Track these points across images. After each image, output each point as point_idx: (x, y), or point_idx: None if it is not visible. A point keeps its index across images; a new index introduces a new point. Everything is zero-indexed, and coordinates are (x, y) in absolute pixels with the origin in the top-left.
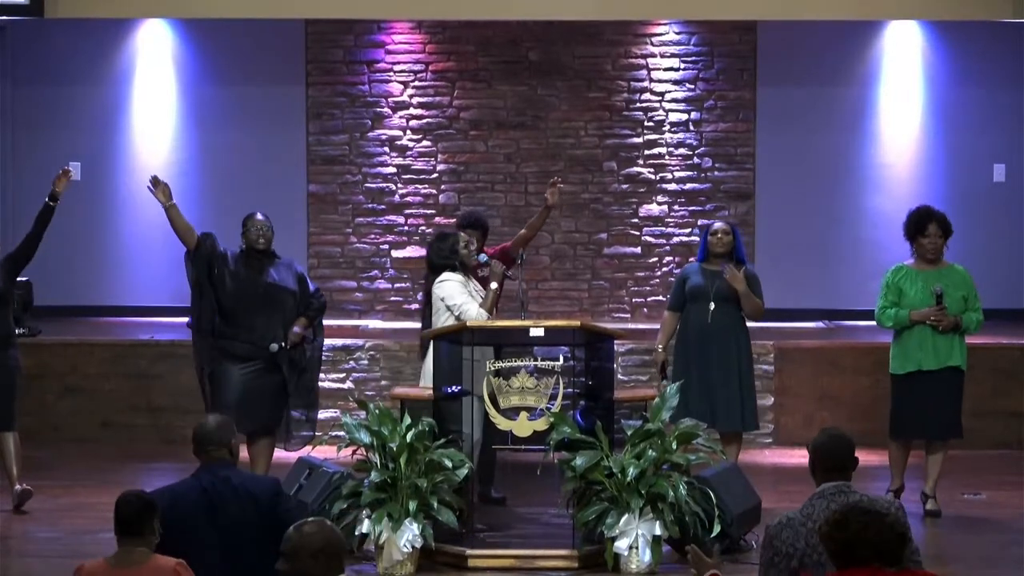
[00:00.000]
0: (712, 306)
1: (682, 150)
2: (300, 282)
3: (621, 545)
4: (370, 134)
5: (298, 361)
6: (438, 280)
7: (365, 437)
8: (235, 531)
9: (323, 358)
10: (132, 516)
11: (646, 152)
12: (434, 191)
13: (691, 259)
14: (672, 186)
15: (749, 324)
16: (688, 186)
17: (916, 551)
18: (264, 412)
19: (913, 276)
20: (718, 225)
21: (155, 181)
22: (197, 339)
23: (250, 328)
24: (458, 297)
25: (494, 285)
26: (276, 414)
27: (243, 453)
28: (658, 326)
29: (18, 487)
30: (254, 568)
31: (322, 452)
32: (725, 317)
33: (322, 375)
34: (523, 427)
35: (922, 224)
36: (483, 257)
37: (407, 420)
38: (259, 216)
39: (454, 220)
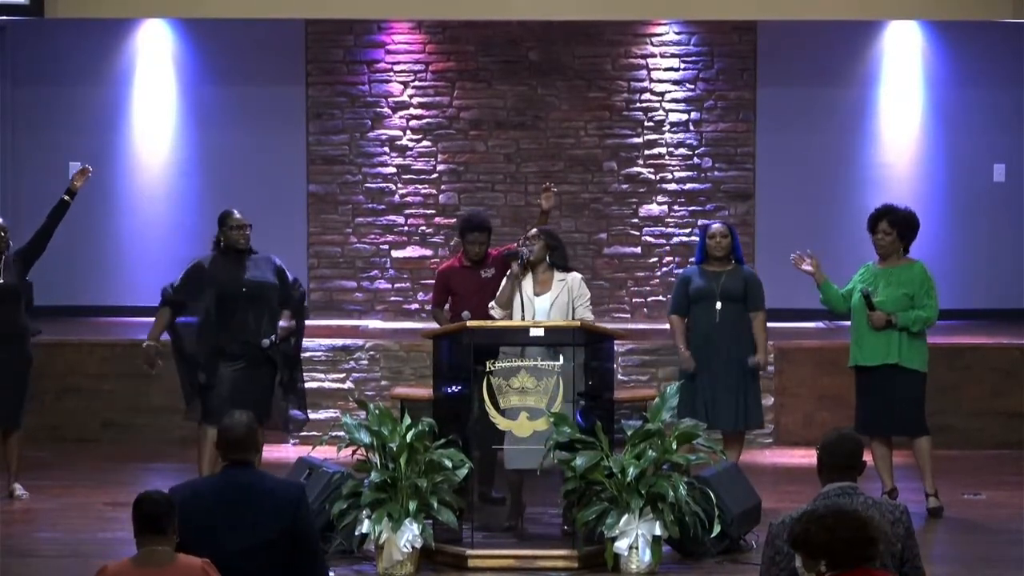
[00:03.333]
0: (719, 306)
1: (682, 150)
2: (279, 275)
3: (621, 545)
4: (370, 134)
5: (290, 354)
6: None
7: (365, 437)
8: (251, 533)
9: (323, 358)
10: (157, 515)
11: (646, 152)
12: (434, 191)
13: (690, 260)
14: (672, 186)
15: None
16: (688, 186)
17: (917, 556)
18: (254, 407)
19: (868, 273)
20: (716, 227)
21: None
22: (197, 342)
23: (240, 326)
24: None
25: (504, 282)
26: (266, 408)
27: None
28: (658, 326)
29: (20, 492)
30: (270, 571)
31: (322, 452)
32: (731, 316)
33: (322, 375)
34: (523, 427)
35: (875, 222)
36: (524, 252)
37: (407, 420)
38: (237, 214)
39: (455, 220)
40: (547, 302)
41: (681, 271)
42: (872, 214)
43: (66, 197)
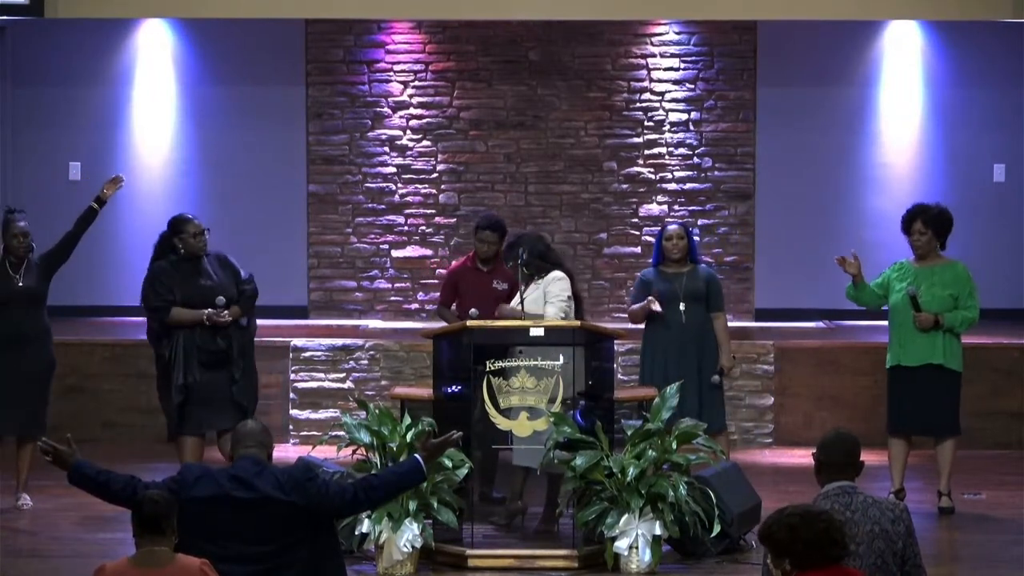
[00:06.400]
0: (683, 307)
1: (682, 150)
2: (234, 274)
3: (621, 545)
4: (370, 134)
5: (245, 347)
6: None
7: (365, 437)
8: (262, 512)
9: (323, 358)
10: (157, 515)
11: (646, 152)
12: (434, 191)
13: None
14: (672, 186)
15: (746, 324)
16: (688, 186)
17: (918, 555)
18: (229, 410)
19: (906, 272)
20: (672, 229)
21: None
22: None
23: (203, 332)
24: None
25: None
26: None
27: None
28: None
29: (23, 500)
30: (284, 547)
31: (322, 452)
32: (697, 317)
33: (322, 375)
34: (523, 427)
35: (909, 222)
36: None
37: (407, 420)
38: (195, 220)
39: (455, 220)
40: (527, 301)
41: (639, 274)
42: (905, 215)
43: (95, 205)
